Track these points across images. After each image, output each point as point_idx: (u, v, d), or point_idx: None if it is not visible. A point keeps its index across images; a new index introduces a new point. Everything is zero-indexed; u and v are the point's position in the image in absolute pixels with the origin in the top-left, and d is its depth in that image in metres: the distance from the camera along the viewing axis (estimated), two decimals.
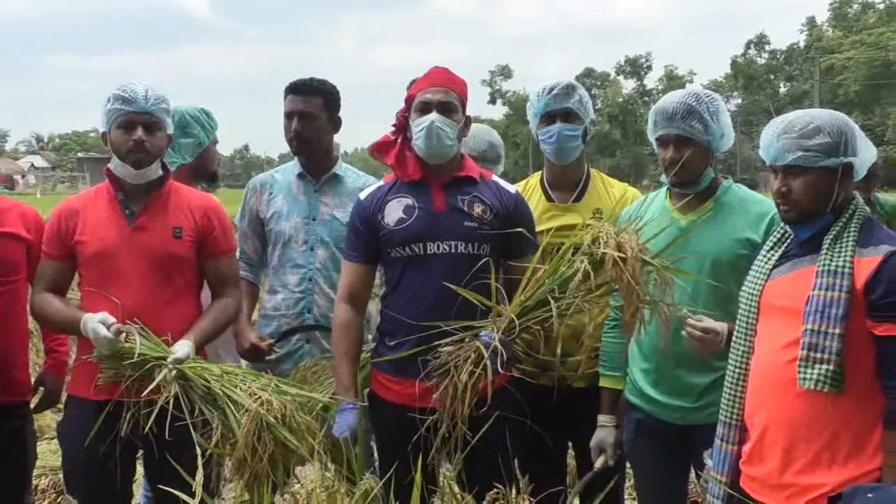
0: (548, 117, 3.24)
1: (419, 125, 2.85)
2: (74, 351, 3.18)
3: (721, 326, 2.63)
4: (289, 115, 3.57)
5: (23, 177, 78.38)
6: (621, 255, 2.51)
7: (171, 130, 3.10)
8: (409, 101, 2.93)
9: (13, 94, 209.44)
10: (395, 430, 2.79)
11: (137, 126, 2.94)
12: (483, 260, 2.77)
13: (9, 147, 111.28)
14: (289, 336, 3.49)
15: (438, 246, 2.82)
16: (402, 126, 2.95)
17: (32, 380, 3.35)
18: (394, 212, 2.88)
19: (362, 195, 3.01)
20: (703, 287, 2.76)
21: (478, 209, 2.86)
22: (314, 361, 3.29)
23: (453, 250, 2.82)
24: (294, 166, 3.69)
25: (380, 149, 3.01)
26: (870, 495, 2.00)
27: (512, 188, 3.02)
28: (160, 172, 3.06)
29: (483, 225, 2.84)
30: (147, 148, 2.95)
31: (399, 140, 2.95)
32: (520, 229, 2.83)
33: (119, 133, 2.96)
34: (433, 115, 2.83)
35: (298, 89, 3.57)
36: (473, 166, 3.00)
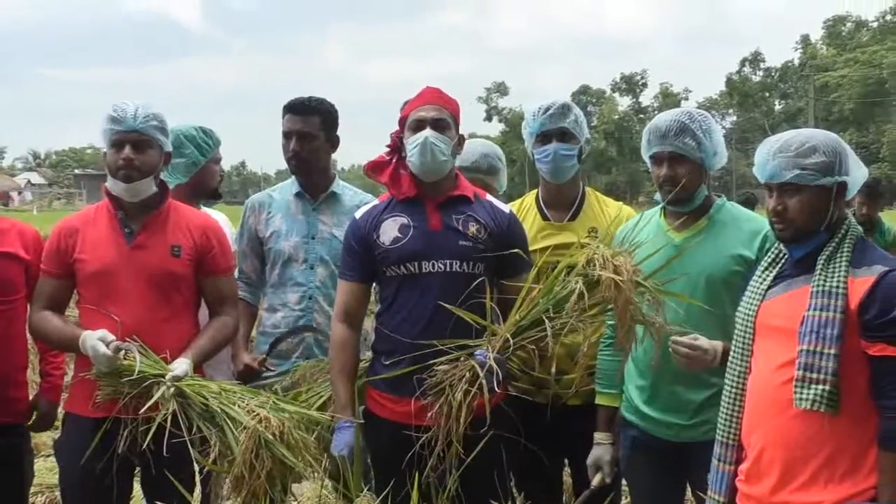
0: (544, 137, 3.27)
1: (413, 142, 2.87)
2: (72, 368, 3.18)
3: (711, 344, 2.64)
4: (287, 135, 3.58)
5: (19, 193, 78.32)
6: (618, 277, 2.52)
7: (168, 148, 3.10)
8: (402, 121, 2.97)
9: (7, 107, 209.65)
10: (391, 448, 2.78)
11: (126, 144, 2.95)
12: (478, 279, 2.78)
13: (5, 164, 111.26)
14: (278, 344, 3.49)
15: (433, 265, 2.84)
16: (397, 146, 2.98)
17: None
18: (389, 231, 2.90)
19: (357, 214, 3.03)
20: (696, 305, 2.77)
21: (472, 228, 2.88)
22: (313, 363, 3.28)
23: (448, 269, 2.84)
24: (291, 185, 3.70)
25: (374, 168, 3.04)
26: None
27: (506, 208, 3.04)
28: (154, 189, 3.06)
29: (478, 244, 2.86)
30: (136, 165, 2.95)
31: (394, 160, 2.98)
32: (515, 250, 2.85)
33: (111, 152, 2.99)
34: (427, 132, 2.86)
35: (297, 109, 3.58)
36: (468, 185, 3.02)
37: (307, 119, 3.56)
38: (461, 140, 3.02)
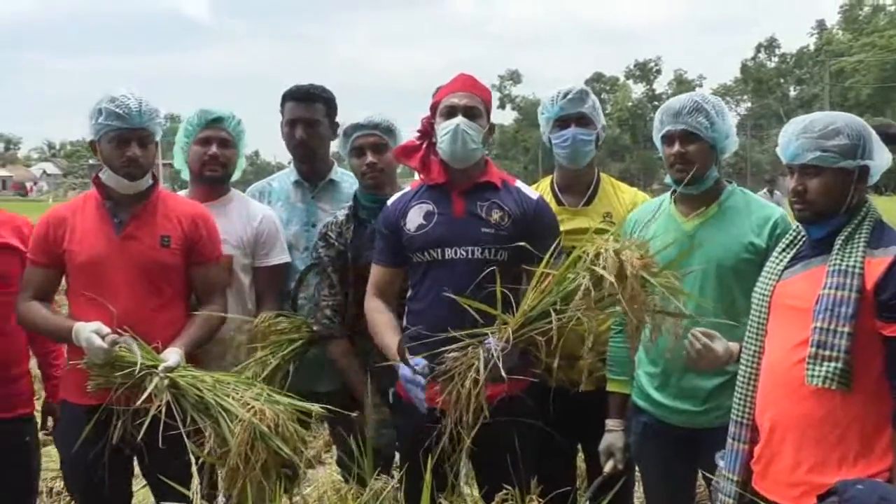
0: (562, 121, 3.27)
1: (445, 128, 2.89)
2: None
3: (725, 349, 2.63)
4: (291, 123, 3.57)
5: (35, 184, 78.84)
6: (620, 274, 2.49)
7: (158, 137, 3.09)
8: (434, 106, 2.99)
9: (20, 97, 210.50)
10: (415, 432, 2.78)
11: (132, 142, 2.95)
12: (498, 266, 2.76)
13: (21, 154, 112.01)
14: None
15: (456, 251, 2.87)
16: (428, 131, 3.00)
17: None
18: (415, 217, 2.94)
19: (389, 201, 3.06)
20: (707, 293, 2.77)
21: (495, 215, 2.90)
22: (270, 316, 3.26)
23: (471, 256, 2.86)
24: (290, 173, 3.71)
25: (404, 152, 3.07)
26: (860, 486, 2.00)
27: (534, 194, 3.05)
28: (150, 182, 3.07)
29: (500, 231, 2.87)
30: (141, 163, 2.97)
31: (424, 145, 3.00)
32: (522, 243, 2.80)
33: (110, 147, 2.96)
34: (459, 119, 2.88)
35: (300, 96, 3.58)
36: (496, 172, 3.03)
37: (311, 106, 3.56)
38: (492, 128, 3.03)
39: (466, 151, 2.90)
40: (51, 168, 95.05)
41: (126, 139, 2.94)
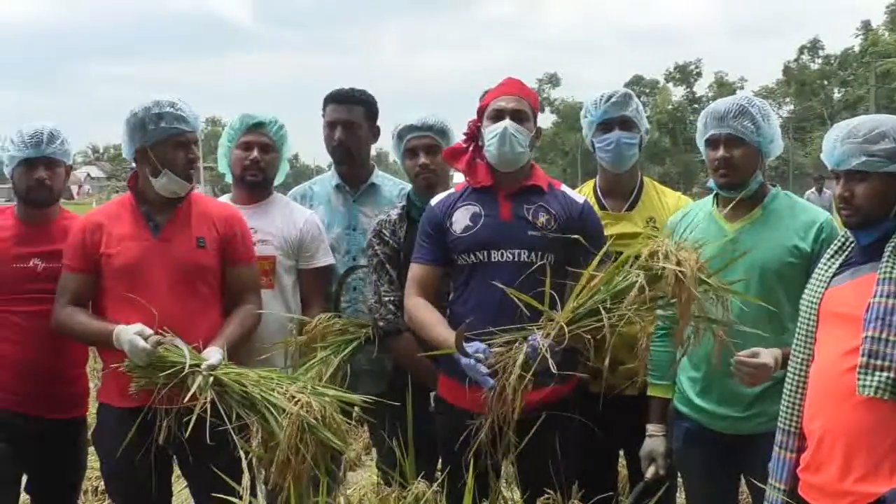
0: (606, 125, 3.26)
1: (492, 132, 2.90)
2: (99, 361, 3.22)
3: (772, 357, 2.61)
4: (331, 125, 3.61)
5: (80, 187, 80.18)
6: (682, 271, 2.49)
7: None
8: (481, 110, 3.00)
9: (65, 102, 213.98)
10: (459, 434, 2.76)
11: (191, 144, 3.04)
12: (543, 269, 2.75)
13: None
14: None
15: (502, 254, 2.87)
16: (474, 135, 3.01)
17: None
18: (461, 219, 2.94)
19: (433, 201, 3.07)
20: (752, 297, 2.73)
21: (542, 218, 2.90)
22: (326, 317, 3.28)
23: (517, 259, 2.86)
24: (332, 177, 3.74)
25: (452, 155, 3.09)
26: None
27: (580, 198, 3.05)
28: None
29: (547, 234, 2.87)
30: (197, 165, 3.07)
31: (470, 148, 3.01)
32: (576, 237, 2.81)
33: (174, 151, 3.00)
34: (506, 122, 2.89)
35: (340, 99, 3.62)
36: (542, 175, 3.04)
37: (351, 108, 3.60)
38: (538, 132, 3.03)
39: (514, 154, 2.91)
40: (95, 171, 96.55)
41: (188, 142, 3.02)
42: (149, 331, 2.81)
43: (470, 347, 2.62)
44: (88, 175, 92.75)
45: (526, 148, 2.93)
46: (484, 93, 3.08)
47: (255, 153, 3.42)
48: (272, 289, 3.37)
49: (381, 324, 3.27)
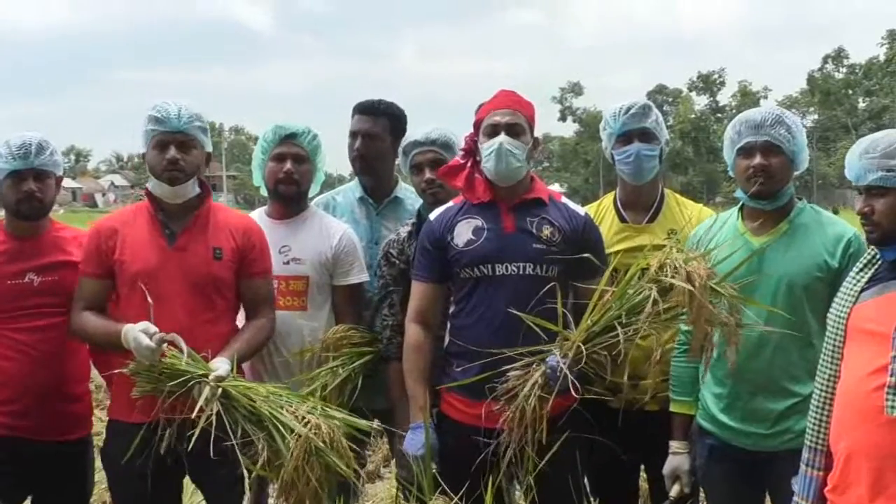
0: (625, 137, 3.21)
1: (488, 148, 2.87)
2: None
3: None
4: (353, 135, 3.61)
5: (103, 195, 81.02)
6: (689, 285, 2.45)
7: (209, 148, 3.10)
8: (477, 124, 2.96)
9: (89, 111, 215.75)
10: (465, 451, 2.77)
11: (170, 145, 2.95)
12: (551, 283, 2.76)
13: (90, 166, 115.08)
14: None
15: (507, 267, 2.84)
16: (471, 150, 2.98)
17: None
18: (463, 233, 2.91)
19: (432, 216, 3.03)
20: (776, 313, 2.69)
21: (546, 231, 2.87)
22: (343, 328, 3.27)
23: (521, 272, 2.83)
24: (355, 188, 3.72)
25: (449, 172, 3.04)
26: None
27: (581, 210, 3.03)
28: (197, 190, 3.05)
29: (551, 247, 2.85)
30: (181, 167, 2.95)
31: (468, 164, 2.98)
32: (587, 255, 2.81)
33: (154, 153, 2.98)
34: (502, 137, 2.85)
35: (366, 110, 3.61)
36: (543, 188, 3.01)
37: (375, 120, 3.58)
38: (536, 143, 3.00)
39: (510, 170, 2.87)
40: (118, 180, 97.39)
41: (166, 142, 2.95)
42: (154, 328, 2.75)
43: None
44: (112, 183, 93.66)
45: (523, 162, 2.89)
46: (479, 106, 3.05)
47: (288, 164, 3.36)
48: (305, 310, 3.34)
49: (380, 347, 3.27)
